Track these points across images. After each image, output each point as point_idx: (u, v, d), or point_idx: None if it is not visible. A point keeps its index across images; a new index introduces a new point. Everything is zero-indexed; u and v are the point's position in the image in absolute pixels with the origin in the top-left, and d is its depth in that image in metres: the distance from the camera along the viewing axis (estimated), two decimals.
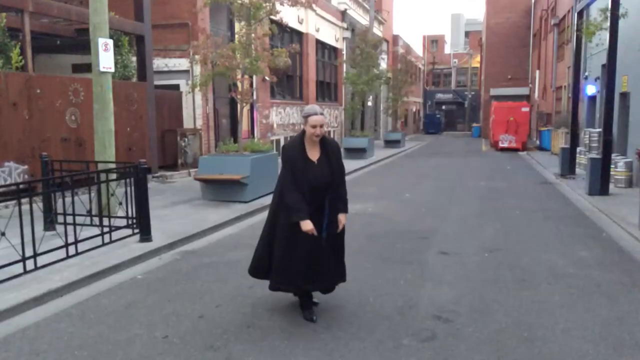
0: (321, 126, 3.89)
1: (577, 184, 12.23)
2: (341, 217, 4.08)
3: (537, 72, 31.95)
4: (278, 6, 10.60)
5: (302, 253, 3.95)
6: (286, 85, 19.84)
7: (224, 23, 15.09)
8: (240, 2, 10.08)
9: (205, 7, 11.41)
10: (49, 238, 5.80)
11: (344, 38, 25.39)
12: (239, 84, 10.34)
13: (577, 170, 14.14)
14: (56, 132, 9.75)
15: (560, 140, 19.39)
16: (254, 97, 14.61)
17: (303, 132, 4.05)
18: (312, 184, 3.91)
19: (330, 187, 4.01)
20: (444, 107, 55.53)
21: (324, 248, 4.01)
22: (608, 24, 10.69)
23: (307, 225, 3.82)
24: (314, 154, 3.99)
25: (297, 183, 3.89)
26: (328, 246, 4.05)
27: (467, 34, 62.80)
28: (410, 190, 11.88)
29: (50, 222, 6.60)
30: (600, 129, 13.39)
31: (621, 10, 10.45)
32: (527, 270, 5.64)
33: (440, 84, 57.66)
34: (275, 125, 18.10)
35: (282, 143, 17.69)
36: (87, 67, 8.65)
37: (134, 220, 6.61)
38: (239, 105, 10.69)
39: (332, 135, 22.95)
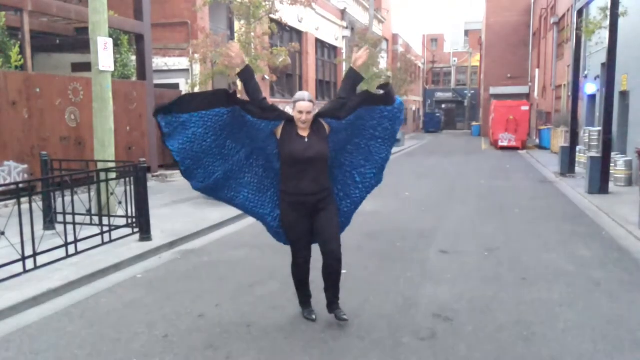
0: (308, 113, 3.85)
1: (577, 182, 12.23)
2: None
3: (537, 70, 31.94)
4: (278, 5, 10.60)
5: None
6: (286, 84, 19.84)
7: (224, 22, 15.08)
8: (240, 0, 10.08)
9: (205, 5, 11.40)
10: (49, 237, 5.79)
11: (343, 37, 25.37)
12: (238, 83, 10.33)
13: (577, 169, 14.14)
14: (56, 131, 9.74)
15: (559, 139, 19.40)
16: None
17: None
18: (304, 157, 3.83)
19: (326, 161, 3.95)
20: (443, 105, 55.48)
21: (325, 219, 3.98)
22: (608, 22, 10.69)
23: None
24: (304, 132, 3.92)
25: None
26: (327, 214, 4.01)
27: (466, 32, 62.75)
28: (410, 188, 11.87)
29: (50, 222, 6.60)
30: (600, 128, 13.38)
31: (621, 9, 10.44)
32: (527, 269, 5.64)
33: (440, 83, 57.64)
34: None
35: None
36: (87, 66, 8.64)
37: (134, 220, 6.61)
38: None
39: None
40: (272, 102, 4.07)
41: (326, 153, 3.94)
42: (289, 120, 3.92)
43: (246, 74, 3.84)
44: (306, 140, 3.88)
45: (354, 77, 4.01)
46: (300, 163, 3.84)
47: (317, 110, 3.98)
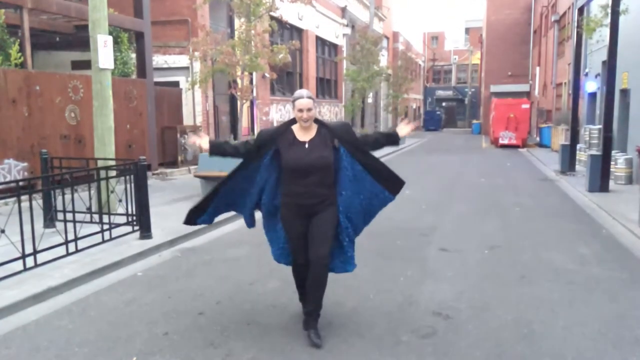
0: (308, 110, 3.76)
1: (577, 180, 12.23)
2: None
3: (538, 68, 31.91)
4: (278, 2, 10.59)
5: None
6: (286, 81, 19.84)
7: (224, 19, 15.07)
8: None
9: (205, 3, 11.39)
10: (49, 235, 5.79)
11: (344, 35, 25.35)
12: (238, 81, 10.33)
13: (577, 167, 14.13)
14: (56, 129, 9.74)
15: (560, 137, 19.37)
16: (254, 93, 14.60)
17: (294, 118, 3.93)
18: (303, 163, 3.73)
19: (328, 167, 3.79)
20: (444, 103, 55.43)
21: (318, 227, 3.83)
22: (608, 20, 10.67)
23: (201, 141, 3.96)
24: (305, 137, 3.83)
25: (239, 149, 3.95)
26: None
27: (467, 30, 62.64)
28: (410, 187, 11.80)
29: (50, 220, 6.59)
30: (600, 126, 13.38)
31: (622, 7, 10.42)
32: (527, 267, 5.65)
33: (440, 81, 57.56)
34: (275, 122, 18.09)
35: None
36: (87, 64, 8.63)
37: (134, 218, 6.61)
38: (238, 102, 10.69)
39: None
40: (272, 100, 4.05)
41: (328, 159, 3.77)
42: (282, 133, 3.85)
43: (216, 150, 3.96)
44: (306, 145, 3.78)
45: (393, 139, 4.01)
46: (299, 170, 3.74)
47: (317, 108, 3.95)
